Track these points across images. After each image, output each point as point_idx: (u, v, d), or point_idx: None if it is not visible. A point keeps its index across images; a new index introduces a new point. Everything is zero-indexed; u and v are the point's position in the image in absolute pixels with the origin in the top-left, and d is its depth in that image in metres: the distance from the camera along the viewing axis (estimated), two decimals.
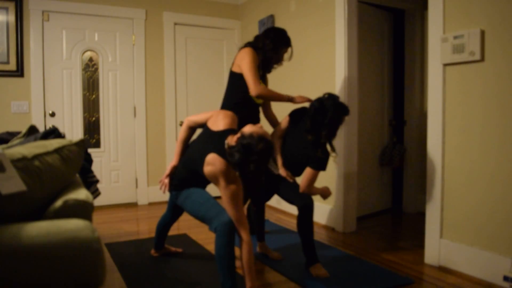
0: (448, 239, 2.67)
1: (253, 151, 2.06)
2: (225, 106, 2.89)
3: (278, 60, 2.92)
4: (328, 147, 2.65)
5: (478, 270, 2.48)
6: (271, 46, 2.83)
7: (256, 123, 2.91)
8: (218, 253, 2.16)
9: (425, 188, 3.08)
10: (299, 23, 4.02)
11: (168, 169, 2.53)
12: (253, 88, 2.71)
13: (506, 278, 2.32)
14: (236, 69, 2.83)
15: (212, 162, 2.18)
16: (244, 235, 2.20)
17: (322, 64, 3.78)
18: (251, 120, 2.86)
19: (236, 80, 2.84)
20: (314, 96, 2.97)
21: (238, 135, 2.16)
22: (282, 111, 3.33)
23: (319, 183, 3.28)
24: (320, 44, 3.80)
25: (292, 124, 2.79)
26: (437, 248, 2.71)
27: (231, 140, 2.19)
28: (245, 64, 2.74)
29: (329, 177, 3.65)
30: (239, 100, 2.84)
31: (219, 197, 3.74)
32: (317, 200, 3.62)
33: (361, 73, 3.77)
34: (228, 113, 2.41)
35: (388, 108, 4.31)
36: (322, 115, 2.55)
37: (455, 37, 2.54)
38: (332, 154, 2.66)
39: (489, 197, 2.43)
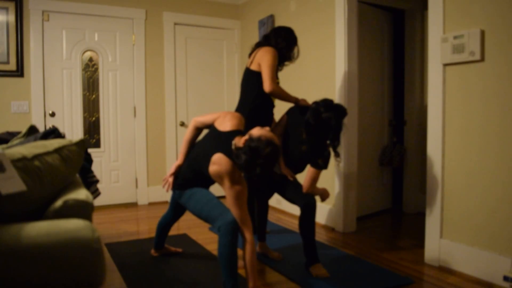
0: (448, 239, 2.67)
1: (260, 154, 2.06)
2: (243, 104, 2.89)
3: (290, 58, 2.95)
4: (332, 152, 2.65)
5: (478, 270, 2.48)
6: (284, 44, 2.86)
7: (271, 121, 2.92)
8: (221, 253, 2.16)
9: (425, 188, 3.07)
10: (299, 23, 4.01)
11: (172, 168, 2.53)
12: (269, 84, 2.72)
13: (506, 278, 2.31)
14: (255, 68, 2.83)
15: (218, 162, 2.18)
16: (248, 235, 2.21)
17: (322, 64, 3.78)
18: (268, 118, 2.88)
19: (255, 78, 2.82)
20: (314, 97, 2.97)
21: (246, 137, 2.16)
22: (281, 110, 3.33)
23: (318, 184, 3.27)
24: (320, 44, 3.80)
25: (290, 122, 2.79)
26: (437, 248, 2.71)
27: (239, 141, 2.19)
28: (265, 62, 2.75)
29: (329, 177, 3.65)
30: (259, 98, 2.83)
31: (222, 197, 3.75)
32: (316, 200, 3.61)
33: (361, 73, 3.77)
34: (236, 114, 2.40)
35: (388, 108, 4.31)
36: (323, 130, 2.53)
37: (455, 37, 2.53)
38: (337, 159, 2.67)
39: (489, 197, 2.43)
